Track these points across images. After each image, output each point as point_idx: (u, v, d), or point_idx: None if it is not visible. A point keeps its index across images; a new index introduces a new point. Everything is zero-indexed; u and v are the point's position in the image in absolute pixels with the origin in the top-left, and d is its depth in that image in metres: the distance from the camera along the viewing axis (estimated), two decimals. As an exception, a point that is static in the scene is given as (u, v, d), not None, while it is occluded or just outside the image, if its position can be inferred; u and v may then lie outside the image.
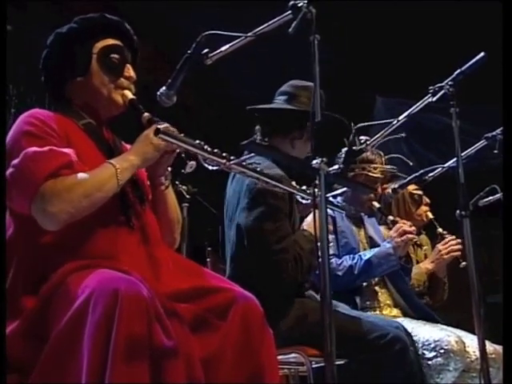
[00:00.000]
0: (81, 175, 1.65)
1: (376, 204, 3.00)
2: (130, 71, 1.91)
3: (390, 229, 2.94)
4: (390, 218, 3.00)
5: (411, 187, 3.36)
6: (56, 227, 1.61)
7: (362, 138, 2.41)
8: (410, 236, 2.83)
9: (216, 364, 1.57)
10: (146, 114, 1.80)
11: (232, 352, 1.59)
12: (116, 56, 1.89)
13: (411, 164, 2.92)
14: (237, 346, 1.60)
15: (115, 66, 1.89)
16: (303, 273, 2.36)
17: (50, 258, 1.63)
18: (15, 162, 1.64)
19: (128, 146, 1.91)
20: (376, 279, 2.92)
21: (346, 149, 2.41)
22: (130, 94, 1.87)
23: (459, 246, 3.14)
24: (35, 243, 1.65)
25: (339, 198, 2.97)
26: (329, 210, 2.32)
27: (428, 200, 3.47)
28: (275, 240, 2.30)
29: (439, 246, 3.24)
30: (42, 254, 1.64)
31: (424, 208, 3.44)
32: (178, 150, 1.80)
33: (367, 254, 2.82)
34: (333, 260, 2.78)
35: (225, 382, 1.57)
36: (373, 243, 3.03)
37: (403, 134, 2.37)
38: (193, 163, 1.80)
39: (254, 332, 1.63)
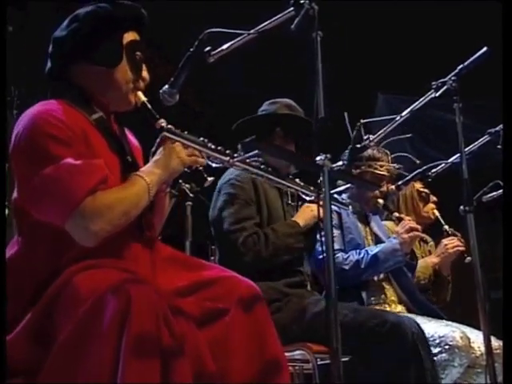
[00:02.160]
0: (118, 191, 1.62)
1: (381, 201, 3.00)
2: (145, 73, 1.83)
3: (397, 225, 2.95)
4: (396, 214, 3.02)
5: (418, 185, 3.38)
6: (94, 244, 1.58)
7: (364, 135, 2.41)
8: (417, 233, 2.85)
9: (225, 347, 1.58)
10: (161, 121, 1.74)
11: (241, 335, 1.60)
12: (139, 54, 1.80)
13: (418, 162, 2.92)
14: (245, 330, 1.61)
15: (139, 64, 1.80)
16: (273, 250, 2.44)
17: (59, 260, 1.61)
18: (48, 171, 1.55)
19: (129, 134, 1.89)
20: (382, 275, 2.92)
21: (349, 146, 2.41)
22: (142, 96, 1.80)
23: (463, 244, 3.15)
24: (48, 248, 1.62)
25: (344, 195, 2.97)
26: (334, 206, 2.33)
27: (435, 198, 3.48)
28: (232, 222, 2.47)
29: (445, 241, 3.25)
30: (53, 257, 1.62)
31: (431, 206, 3.45)
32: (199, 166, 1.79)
33: (374, 249, 2.83)
34: (339, 254, 2.79)
35: (242, 362, 1.58)
36: (377, 240, 3.03)
37: (410, 135, 2.38)
38: (212, 179, 1.81)
39: (259, 314, 1.65)
